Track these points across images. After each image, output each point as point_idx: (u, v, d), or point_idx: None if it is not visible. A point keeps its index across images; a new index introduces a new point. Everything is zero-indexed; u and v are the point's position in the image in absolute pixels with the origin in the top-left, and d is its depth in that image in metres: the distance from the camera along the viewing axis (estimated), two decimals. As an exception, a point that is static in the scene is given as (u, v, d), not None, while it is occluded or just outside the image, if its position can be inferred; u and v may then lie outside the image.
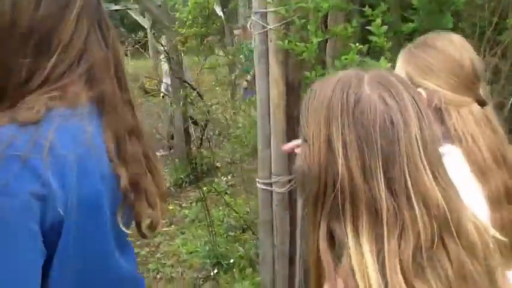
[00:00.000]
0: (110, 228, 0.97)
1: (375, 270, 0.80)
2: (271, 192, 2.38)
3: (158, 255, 4.16)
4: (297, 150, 1.87)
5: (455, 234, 0.85)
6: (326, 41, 2.21)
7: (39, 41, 0.93)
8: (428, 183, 0.83)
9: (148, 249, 4.22)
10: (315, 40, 1.87)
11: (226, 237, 4.24)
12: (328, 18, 2.20)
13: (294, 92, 2.26)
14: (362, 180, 0.81)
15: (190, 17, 3.75)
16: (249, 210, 4.40)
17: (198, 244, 4.14)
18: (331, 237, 0.86)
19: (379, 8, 1.90)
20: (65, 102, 0.91)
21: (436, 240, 0.83)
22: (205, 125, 5.74)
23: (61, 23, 0.96)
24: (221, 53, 5.35)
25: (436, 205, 0.83)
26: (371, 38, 1.86)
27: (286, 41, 2.01)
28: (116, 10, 12.07)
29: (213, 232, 4.04)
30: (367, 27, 1.99)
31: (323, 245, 0.86)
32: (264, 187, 2.37)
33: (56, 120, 0.88)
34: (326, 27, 2.23)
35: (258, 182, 2.38)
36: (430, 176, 0.84)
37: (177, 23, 4.03)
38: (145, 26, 10.13)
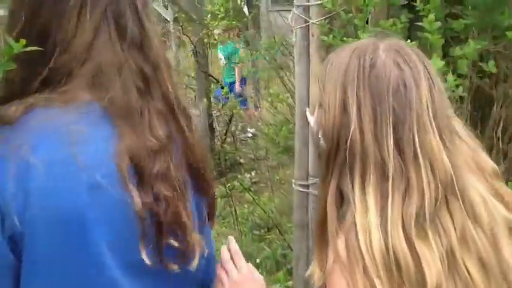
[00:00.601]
0: (104, 251, 0.77)
1: (377, 226, 0.82)
2: (307, 194, 2.29)
3: (182, 252, 4.08)
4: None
5: (460, 199, 0.85)
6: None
7: (32, 40, 0.79)
8: (435, 145, 0.84)
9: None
10: (364, 36, 1.76)
11: (252, 236, 4.16)
12: (370, 13, 2.10)
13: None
14: (373, 140, 0.85)
15: (222, 9, 3.70)
16: (274, 208, 4.32)
17: (223, 242, 4.05)
18: (340, 196, 0.90)
19: (432, 3, 1.78)
20: (56, 102, 0.79)
21: (440, 200, 0.83)
22: (230, 120, 5.67)
23: (57, 17, 0.82)
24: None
25: (442, 168, 0.84)
26: (424, 34, 1.74)
27: (331, 36, 1.91)
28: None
29: (238, 230, 3.97)
30: (415, 24, 1.88)
31: (330, 201, 0.90)
32: (301, 189, 2.27)
33: (37, 119, 0.77)
34: (367, 22, 2.12)
35: (294, 183, 2.29)
36: (438, 138, 0.85)
37: (209, 15, 3.98)
38: (168, 19, 10.08)
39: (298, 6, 2.07)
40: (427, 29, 1.75)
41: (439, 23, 1.76)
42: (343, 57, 0.92)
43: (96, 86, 0.81)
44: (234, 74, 7.06)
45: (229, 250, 1.08)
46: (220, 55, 7.12)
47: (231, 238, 1.08)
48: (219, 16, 3.78)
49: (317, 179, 2.23)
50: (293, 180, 2.30)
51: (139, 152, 0.80)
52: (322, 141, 0.94)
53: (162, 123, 0.85)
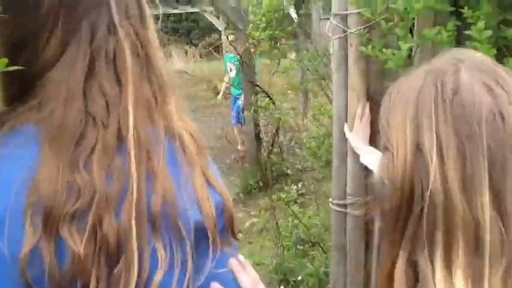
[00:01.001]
0: None
1: None
2: (345, 214, 2.15)
3: (223, 265, 4.01)
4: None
5: None
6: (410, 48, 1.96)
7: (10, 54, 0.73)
8: None
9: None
10: (405, 46, 1.62)
11: (295, 250, 4.03)
12: (415, 22, 1.95)
13: (375, 104, 2.02)
14: (460, 194, 0.64)
15: (264, 19, 3.63)
16: (318, 222, 4.17)
17: (266, 256, 3.96)
18: (413, 271, 0.68)
19: (482, 9, 1.62)
20: None
21: None
22: (277, 131, 5.58)
23: (32, 32, 0.74)
24: (293, 56, 5.18)
25: None
26: (473, 44, 1.58)
27: (370, 47, 1.78)
28: (191, 12, 12.24)
29: (280, 245, 3.86)
30: (463, 32, 1.73)
31: (399, 279, 0.68)
32: (338, 208, 2.14)
33: None
34: (411, 31, 1.98)
35: (331, 202, 2.16)
36: None
37: (251, 25, 3.93)
38: (220, 29, 10.18)
39: (335, 15, 1.96)
40: (476, 38, 1.59)
41: (490, 32, 1.59)
42: (414, 83, 0.71)
43: (42, 106, 0.70)
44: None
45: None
46: (230, 65, 6.51)
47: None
48: (261, 26, 3.70)
49: (356, 198, 2.10)
50: (330, 199, 2.17)
51: (54, 185, 0.64)
52: (389, 194, 0.72)
53: (108, 157, 0.69)
